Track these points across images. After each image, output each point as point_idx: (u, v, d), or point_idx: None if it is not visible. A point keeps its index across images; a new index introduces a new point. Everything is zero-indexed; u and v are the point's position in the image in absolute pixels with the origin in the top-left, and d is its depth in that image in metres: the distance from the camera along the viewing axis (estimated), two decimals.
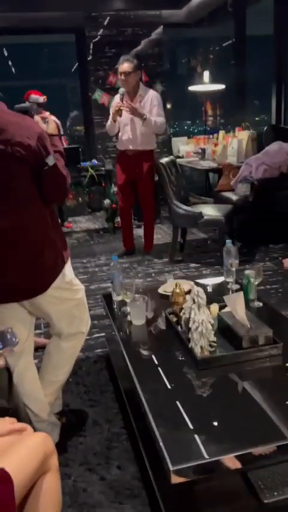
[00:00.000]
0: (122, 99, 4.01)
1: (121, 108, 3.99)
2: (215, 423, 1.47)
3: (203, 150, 6.06)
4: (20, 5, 5.80)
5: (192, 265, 4.26)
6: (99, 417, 2.17)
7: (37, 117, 1.73)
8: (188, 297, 2.02)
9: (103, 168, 6.45)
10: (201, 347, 1.81)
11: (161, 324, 2.21)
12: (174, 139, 6.91)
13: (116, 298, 2.48)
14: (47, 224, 1.67)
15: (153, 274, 4.09)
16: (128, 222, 4.59)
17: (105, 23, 6.38)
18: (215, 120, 8.82)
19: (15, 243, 1.60)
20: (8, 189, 1.51)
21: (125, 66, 3.98)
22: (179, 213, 4.14)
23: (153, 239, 4.62)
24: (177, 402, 1.61)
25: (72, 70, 11.82)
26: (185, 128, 11.22)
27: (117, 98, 4.10)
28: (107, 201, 5.59)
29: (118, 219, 5.50)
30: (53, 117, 2.07)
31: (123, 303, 2.37)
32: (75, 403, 2.29)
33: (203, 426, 1.45)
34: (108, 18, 6.35)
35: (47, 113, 1.93)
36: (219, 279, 2.76)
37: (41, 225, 1.65)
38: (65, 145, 6.00)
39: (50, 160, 1.54)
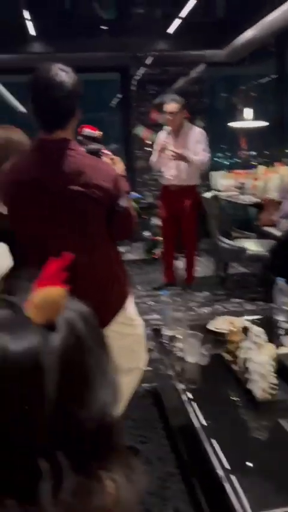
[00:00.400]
0: (167, 137, 4.12)
1: (166, 148, 4.08)
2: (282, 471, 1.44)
3: (243, 185, 6.08)
4: (70, 46, 6.09)
5: (235, 300, 4.23)
6: (151, 455, 2.15)
7: (105, 159, 1.81)
8: (243, 335, 2.01)
9: (144, 201, 6.57)
10: (262, 389, 1.79)
11: (215, 362, 2.20)
12: (213, 173, 6.97)
13: (167, 332, 2.48)
14: (113, 260, 1.73)
15: (194, 308, 4.09)
16: (171, 252, 4.63)
17: (149, 63, 6.62)
18: (253, 155, 8.90)
19: (84, 278, 1.65)
20: (85, 228, 1.58)
21: (171, 106, 4.10)
22: (223, 247, 4.15)
23: (194, 271, 4.64)
24: (239, 446, 1.59)
25: (112, 105, 12.24)
26: (224, 162, 11.35)
27: (162, 134, 4.22)
28: (147, 233, 5.67)
29: (156, 250, 5.56)
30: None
31: (174, 338, 2.38)
32: (125, 438, 2.28)
33: (270, 473, 1.43)
34: (151, 58, 6.59)
35: (110, 153, 2.02)
36: (268, 317, 2.73)
37: (108, 260, 1.70)
38: None
39: (123, 202, 1.61)
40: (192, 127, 4.30)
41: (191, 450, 1.98)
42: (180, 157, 4.06)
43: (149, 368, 3.03)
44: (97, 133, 4.78)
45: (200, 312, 3.93)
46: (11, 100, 10.79)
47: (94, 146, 1.84)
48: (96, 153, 1.77)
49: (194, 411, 1.77)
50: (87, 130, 4.56)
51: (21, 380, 0.42)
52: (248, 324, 2.11)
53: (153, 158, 4.33)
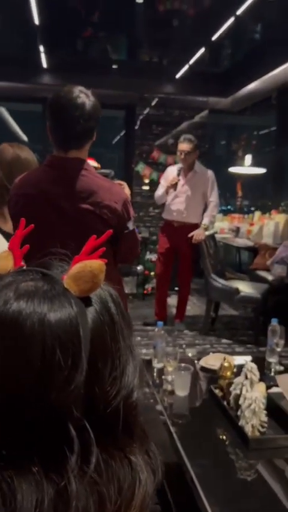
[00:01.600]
0: (178, 174, 4.20)
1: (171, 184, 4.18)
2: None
3: (238, 228, 6.18)
4: (80, 81, 6.27)
5: (224, 340, 4.21)
6: None
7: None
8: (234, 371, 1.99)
9: (140, 235, 6.60)
10: (252, 426, 1.75)
11: (205, 397, 2.17)
12: None
13: (157, 365, 2.45)
14: (115, 281, 1.72)
15: (184, 346, 4.04)
16: (165, 290, 4.60)
17: (154, 104, 6.83)
18: (250, 200, 9.08)
19: None
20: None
21: (185, 145, 4.19)
22: (216, 286, 4.16)
23: (185, 309, 4.63)
24: (227, 482, 1.55)
25: (113, 142, 12.51)
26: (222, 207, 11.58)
27: (173, 170, 4.30)
28: (140, 267, 5.67)
29: (148, 286, 5.55)
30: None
31: (163, 371, 2.34)
32: None
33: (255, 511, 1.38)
34: (157, 99, 6.81)
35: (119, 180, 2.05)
36: (259, 358, 2.71)
37: (110, 281, 1.69)
38: None
39: (131, 225, 1.62)
40: (203, 168, 4.42)
41: (177, 488, 1.92)
42: (200, 236, 4.22)
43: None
44: (96, 165, 4.84)
45: (189, 351, 3.89)
46: (15, 128, 11.01)
47: (105, 170, 1.87)
48: (106, 177, 1.79)
49: (182, 447, 1.72)
50: (90, 162, 4.62)
51: (60, 347, 0.42)
52: (242, 360, 2.09)
53: (159, 192, 4.39)
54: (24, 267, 0.50)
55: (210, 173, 4.38)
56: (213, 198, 4.35)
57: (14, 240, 0.53)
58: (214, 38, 5.16)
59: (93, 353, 0.44)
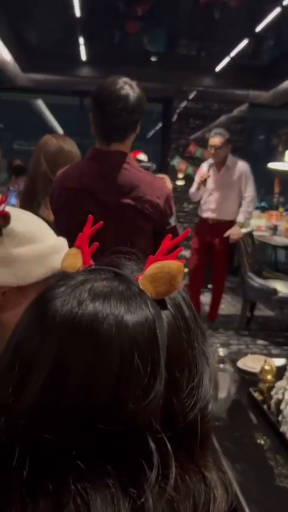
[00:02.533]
0: (209, 170, 4.12)
1: (206, 178, 4.10)
2: None
3: (275, 226, 6.04)
4: (118, 73, 6.24)
5: (260, 341, 4.10)
6: None
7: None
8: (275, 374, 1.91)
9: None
10: None
11: (243, 400, 2.09)
12: None
13: None
14: None
15: (218, 345, 3.97)
16: (198, 286, 4.54)
17: (192, 97, 6.72)
18: (285, 197, 8.86)
19: None
20: (132, 242, 1.53)
21: (216, 140, 4.09)
22: (253, 286, 4.06)
23: (218, 308, 4.54)
24: (267, 489, 1.48)
25: (148, 136, 12.46)
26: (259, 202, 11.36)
27: (204, 166, 4.22)
28: None
29: (182, 283, 5.49)
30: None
31: None
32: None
33: None
34: (195, 92, 6.70)
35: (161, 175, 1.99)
36: None
37: None
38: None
39: (173, 221, 1.57)
40: (236, 161, 4.27)
41: None
42: (236, 236, 4.13)
43: None
44: (145, 157, 4.67)
45: (222, 350, 3.82)
46: (51, 121, 11.11)
47: (146, 164, 1.83)
48: (147, 170, 1.75)
49: (221, 452, 1.66)
50: (141, 156, 4.46)
51: (138, 352, 0.38)
52: (281, 363, 2.00)
53: (193, 189, 4.33)
54: (94, 266, 0.47)
55: (244, 166, 4.22)
56: (249, 192, 4.19)
57: (82, 237, 0.50)
58: (258, 29, 5.01)
59: (170, 360, 0.40)
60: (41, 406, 0.38)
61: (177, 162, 6.77)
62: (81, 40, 6.06)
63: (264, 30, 5.08)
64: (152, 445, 0.38)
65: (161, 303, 0.43)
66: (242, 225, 4.20)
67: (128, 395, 0.38)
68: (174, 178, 6.79)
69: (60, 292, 0.42)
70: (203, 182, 4.10)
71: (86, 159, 1.66)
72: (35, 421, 0.38)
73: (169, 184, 1.84)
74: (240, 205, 4.28)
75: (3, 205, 0.79)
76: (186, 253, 5.62)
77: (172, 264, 0.44)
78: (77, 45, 6.12)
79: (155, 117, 9.41)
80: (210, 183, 4.16)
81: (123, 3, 6.35)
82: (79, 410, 0.38)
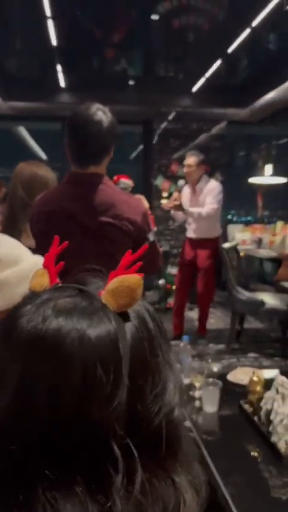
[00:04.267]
0: (179, 191, 4.36)
1: (173, 205, 4.23)
2: None
3: (260, 239, 6.10)
4: (96, 98, 6.36)
5: (251, 354, 4.12)
6: None
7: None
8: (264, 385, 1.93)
9: (161, 249, 6.59)
10: (286, 442, 1.69)
11: (234, 413, 2.10)
12: (230, 227, 7.03)
13: (184, 381, 2.40)
14: None
15: (209, 360, 3.97)
16: (182, 303, 4.56)
17: (171, 117, 6.85)
18: (270, 211, 8.99)
19: None
20: (112, 259, 1.56)
21: (189, 159, 4.29)
22: (240, 299, 4.10)
23: (206, 322, 4.56)
24: (261, 500, 1.48)
25: (131, 157, 12.58)
26: (239, 216, 11.49)
27: (185, 188, 4.41)
28: (162, 281, 5.64)
29: (170, 300, 5.49)
30: None
31: (191, 387, 2.29)
32: None
33: None
34: (174, 113, 6.83)
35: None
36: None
37: None
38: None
39: (151, 236, 1.61)
40: (208, 182, 4.39)
41: (208, 508, 1.86)
42: (177, 208, 4.19)
43: None
44: (130, 182, 4.75)
45: (214, 365, 3.82)
46: (33, 147, 11.19)
47: (122, 186, 1.88)
48: (124, 190, 1.79)
49: (214, 465, 1.67)
50: (124, 181, 4.54)
51: (101, 363, 0.40)
52: (272, 374, 2.03)
53: (172, 212, 4.52)
54: (60, 284, 0.49)
55: (215, 185, 4.33)
56: (206, 206, 4.22)
57: (48, 257, 0.53)
58: (230, 50, 5.17)
59: (133, 369, 0.42)
60: (8, 419, 0.40)
61: (160, 181, 6.86)
62: (59, 67, 6.17)
63: (236, 50, 5.23)
64: (117, 451, 0.40)
65: (123, 316, 0.45)
66: (185, 212, 4.19)
67: (91, 405, 0.40)
68: (158, 198, 6.88)
69: (26, 311, 0.44)
70: (178, 207, 4.20)
71: (64, 183, 1.70)
72: (3, 434, 0.40)
73: (145, 203, 1.88)
74: (218, 221, 4.41)
75: None
76: (174, 270, 5.67)
77: (132, 278, 0.46)
78: (55, 72, 6.24)
79: (137, 138, 9.55)
80: (187, 204, 4.29)
81: (99, 31, 6.51)
82: (45, 421, 0.39)
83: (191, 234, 4.42)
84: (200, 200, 4.30)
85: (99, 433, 0.40)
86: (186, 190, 4.44)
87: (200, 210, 4.21)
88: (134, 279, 0.46)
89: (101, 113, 1.61)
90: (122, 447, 0.40)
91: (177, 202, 4.20)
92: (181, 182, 4.42)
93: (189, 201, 4.37)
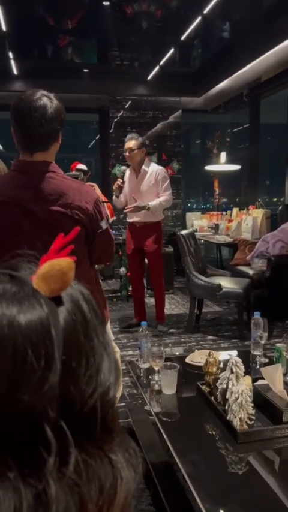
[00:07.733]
0: (122, 177, 4.32)
1: (127, 208, 4.19)
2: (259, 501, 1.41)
3: (217, 226, 6.23)
4: (51, 86, 6.24)
5: (209, 337, 4.23)
6: None
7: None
8: (220, 366, 2.00)
9: (120, 238, 6.60)
10: (240, 419, 1.76)
11: (192, 394, 2.17)
12: (188, 214, 7.13)
13: (143, 365, 2.44)
14: (93, 279, 1.72)
15: (170, 345, 4.05)
16: (139, 292, 4.53)
17: (127, 106, 6.84)
18: (227, 197, 9.14)
19: None
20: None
21: (130, 143, 4.19)
22: (198, 283, 4.18)
23: (164, 309, 4.57)
24: (218, 477, 1.55)
25: (89, 146, 12.46)
26: (197, 204, 11.61)
27: (127, 172, 4.36)
28: (122, 270, 5.66)
29: (131, 288, 5.54)
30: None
31: (150, 371, 2.34)
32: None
33: (252, 506, 1.39)
34: (130, 101, 6.82)
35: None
36: (244, 352, 2.73)
37: (87, 279, 1.69)
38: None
39: (103, 224, 1.62)
40: (151, 165, 4.34)
41: (170, 488, 1.92)
42: (137, 209, 4.12)
43: (122, 404, 2.97)
44: (85, 168, 4.69)
45: (175, 349, 3.89)
46: None
47: (75, 173, 1.87)
48: (76, 178, 1.79)
49: (172, 446, 1.72)
50: (81, 166, 4.48)
51: (32, 349, 0.41)
52: (227, 355, 2.10)
53: (114, 197, 4.38)
54: None
55: (159, 170, 4.28)
56: (165, 192, 4.24)
57: None
58: (183, 38, 5.19)
59: (66, 352, 0.43)
60: None
61: (118, 170, 6.85)
62: (10, 54, 6.01)
63: (189, 38, 5.25)
64: (50, 433, 0.40)
65: (56, 300, 0.45)
66: (148, 208, 4.13)
67: (22, 389, 0.40)
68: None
69: None
70: (118, 190, 4.23)
71: (11, 171, 1.67)
72: None
73: (98, 191, 1.89)
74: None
75: None
76: None
77: (62, 262, 0.46)
78: (7, 59, 6.07)
79: (95, 127, 9.46)
80: (130, 188, 4.24)
81: (52, 17, 6.37)
82: None
83: (133, 218, 4.31)
84: (146, 183, 4.23)
85: (31, 416, 0.40)
86: (130, 175, 4.33)
87: (159, 201, 4.17)
88: (65, 262, 0.46)
89: (46, 99, 1.60)
90: (55, 429, 0.40)
91: (118, 184, 4.22)
92: (123, 167, 4.39)
93: (131, 185, 4.27)
